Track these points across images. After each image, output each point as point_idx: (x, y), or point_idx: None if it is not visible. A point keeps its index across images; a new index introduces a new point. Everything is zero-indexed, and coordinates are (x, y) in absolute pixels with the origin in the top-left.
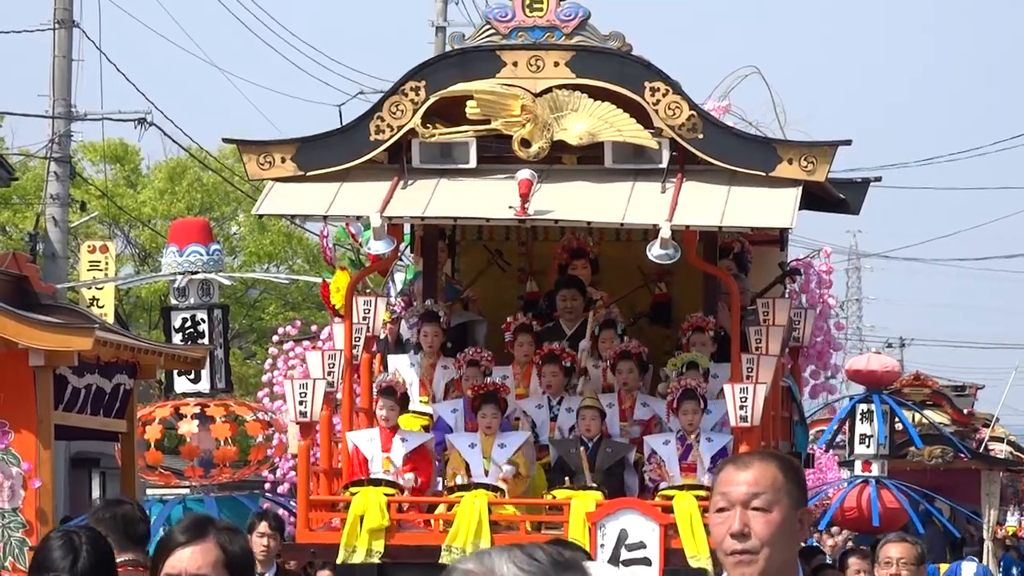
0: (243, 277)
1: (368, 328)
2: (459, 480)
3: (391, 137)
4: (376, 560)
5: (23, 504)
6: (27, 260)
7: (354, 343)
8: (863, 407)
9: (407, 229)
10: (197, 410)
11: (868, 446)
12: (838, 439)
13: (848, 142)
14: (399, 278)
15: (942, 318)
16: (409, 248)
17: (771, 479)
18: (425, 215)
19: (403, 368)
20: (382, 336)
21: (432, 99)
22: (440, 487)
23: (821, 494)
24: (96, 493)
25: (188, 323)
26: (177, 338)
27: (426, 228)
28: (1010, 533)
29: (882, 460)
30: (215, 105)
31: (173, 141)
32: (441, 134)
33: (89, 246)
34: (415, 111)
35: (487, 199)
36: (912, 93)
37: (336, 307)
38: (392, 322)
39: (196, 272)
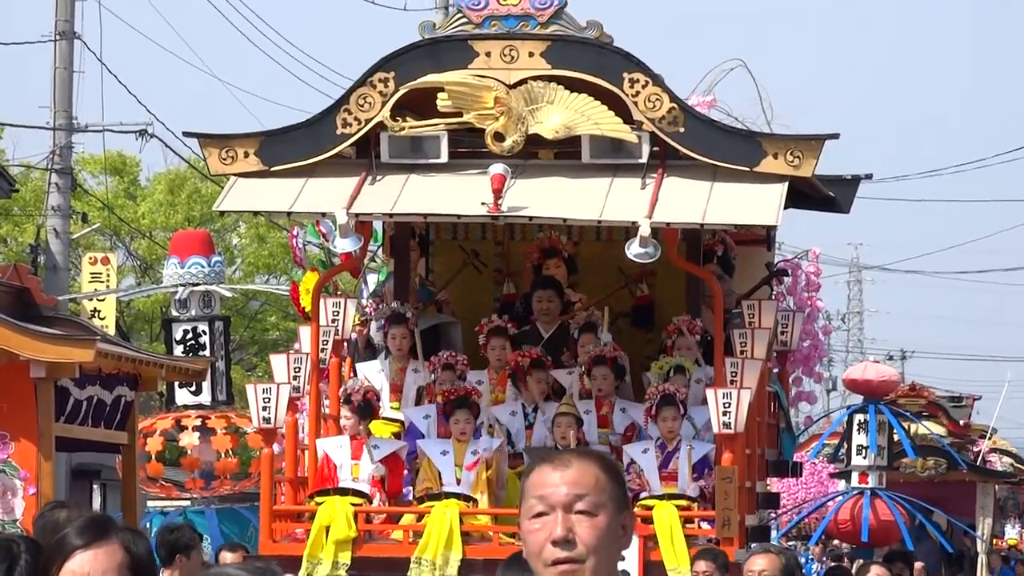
0: (244, 289)
1: (337, 331)
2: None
3: (359, 131)
4: (342, 572)
5: (22, 515)
6: (28, 272)
7: (322, 346)
8: (860, 417)
9: (379, 228)
10: (198, 422)
11: (865, 457)
12: (840, 452)
13: (836, 135)
14: (372, 280)
15: (943, 330)
16: (380, 248)
17: (594, 479)
18: (394, 211)
19: (372, 373)
20: (352, 339)
21: (401, 91)
22: (410, 496)
23: (819, 504)
24: (97, 505)
25: (189, 335)
26: (178, 350)
27: (397, 227)
28: (1011, 545)
29: (878, 471)
30: (216, 116)
31: (174, 152)
32: (411, 127)
33: (90, 258)
34: (384, 103)
35: (459, 195)
36: (906, 97)
37: (306, 309)
38: (362, 325)
39: (197, 284)
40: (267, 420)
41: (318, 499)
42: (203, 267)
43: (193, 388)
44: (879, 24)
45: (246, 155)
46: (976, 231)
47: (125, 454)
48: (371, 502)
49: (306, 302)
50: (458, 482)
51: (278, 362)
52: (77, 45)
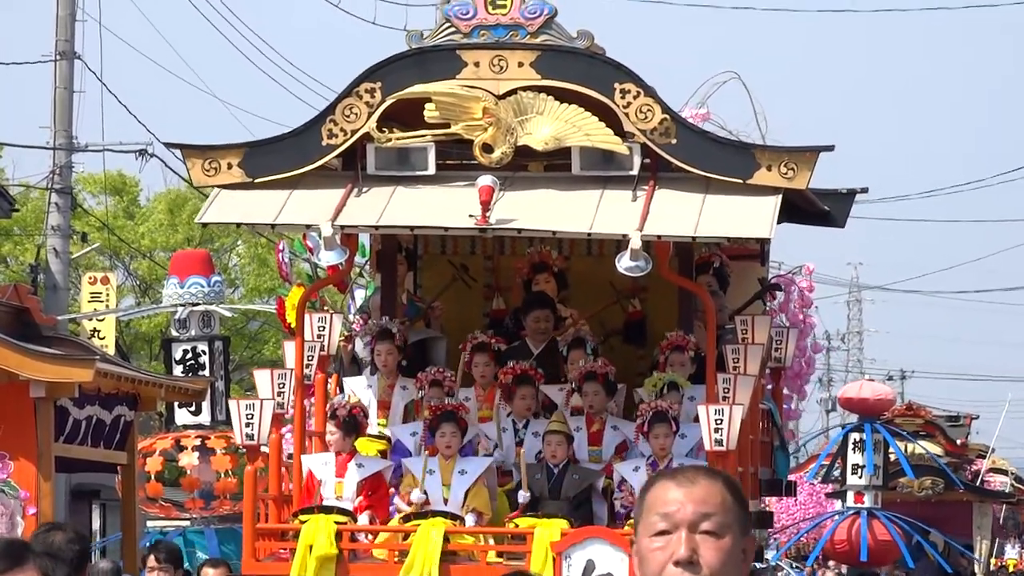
0: (244, 309)
1: (322, 347)
2: (414, 496)
3: (344, 142)
4: None
5: (22, 535)
6: (28, 292)
7: (307, 362)
8: (855, 436)
9: (367, 242)
10: (198, 442)
11: (860, 476)
12: (835, 472)
13: (831, 147)
14: (360, 295)
15: (943, 351)
16: (368, 262)
17: (720, 499)
18: (380, 224)
19: (359, 390)
20: (337, 355)
21: (388, 101)
22: (395, 514)
23: (815, 524)
24: (96, 525)
25: (189, 355)
26: (178, 370)
27: (384, 241)
28: (1011, 566)
29: (874, 491)
30: (216, 136)
31: (174, 172)
32: (398, 139)
33: (90, 277)
34: (370, 114)
35: (446, 208)
36: (900, 110)
37: (292, 325)
38: (346, 340)
39: (197, 304)
40: (250, 437)
41: (302, 517)
42: (203, 287)
43: (193, 408)
44: (878, 42)
45: (229, 166)
46: (976, 251)
47: (125, 474)
48: (355, 520)
49: (292, 317)
50: (445, 502)
51: (261, 377)
52: (77, 65)
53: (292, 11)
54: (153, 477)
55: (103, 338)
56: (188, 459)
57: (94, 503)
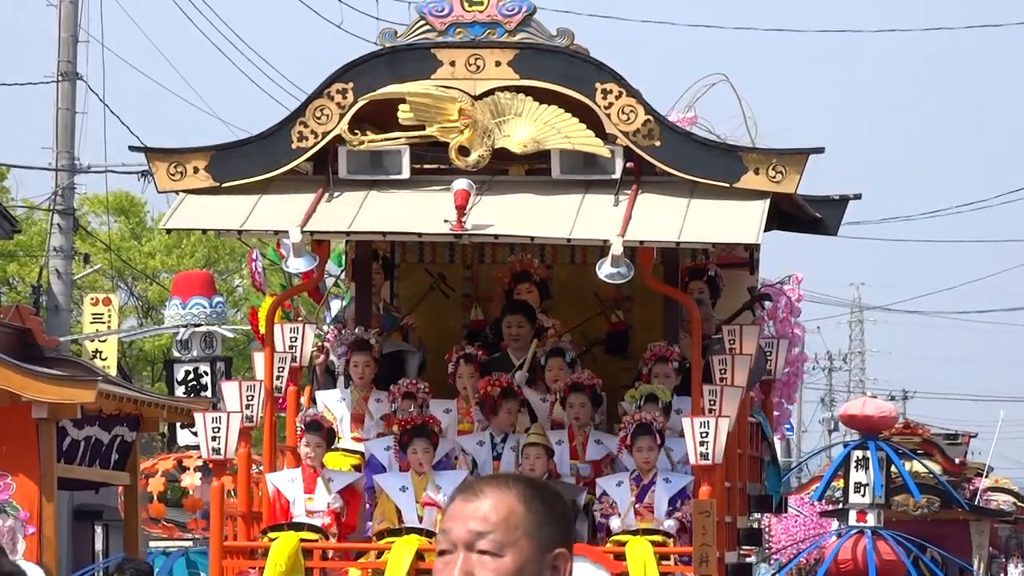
0: (246, 329)
1: (294, 358)
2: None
3: (315, 145)
4: None
5: (24, 556)
6: (30, 313)
7: (277, 373)
8: (858, 454)
9: (342, 248)
10: (200, 462)
11: (863, 495)
12: (837, 494)
13: (821, 149)
14: (336, 306)
15: (944, 371)
16: (343, 271)
17: (505, 513)
18: (351, 230)
19: (332, 403)
20: (312, 366)
21: (360, 102)
22: (370, 532)
23: (816, 544)
24: (99, 546)
25: (191, 375)
26: (180, 391)
27: (358, 248)
28: None
29: (878, 510)
30: None
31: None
32: (370, 141)
33: (92, 299)
34: (342, 116)
35: (421, 213)
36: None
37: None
38: (319, 351)
39: (199, 324)
40: (216, 451)
41: (271, 535)
42: (205, 308)
43: (195, 428)
44: (880, 60)
45: (196, 170)
46: (978, 271)
47: (127, 495)
48: (327, 537)
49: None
50: (420, 520)
51: (229, 390)
52: (80, 86)
53: (298, 31)
54: (156, 498)
55: (105, 359)
56: (190, 480)
57: (96, 524)
